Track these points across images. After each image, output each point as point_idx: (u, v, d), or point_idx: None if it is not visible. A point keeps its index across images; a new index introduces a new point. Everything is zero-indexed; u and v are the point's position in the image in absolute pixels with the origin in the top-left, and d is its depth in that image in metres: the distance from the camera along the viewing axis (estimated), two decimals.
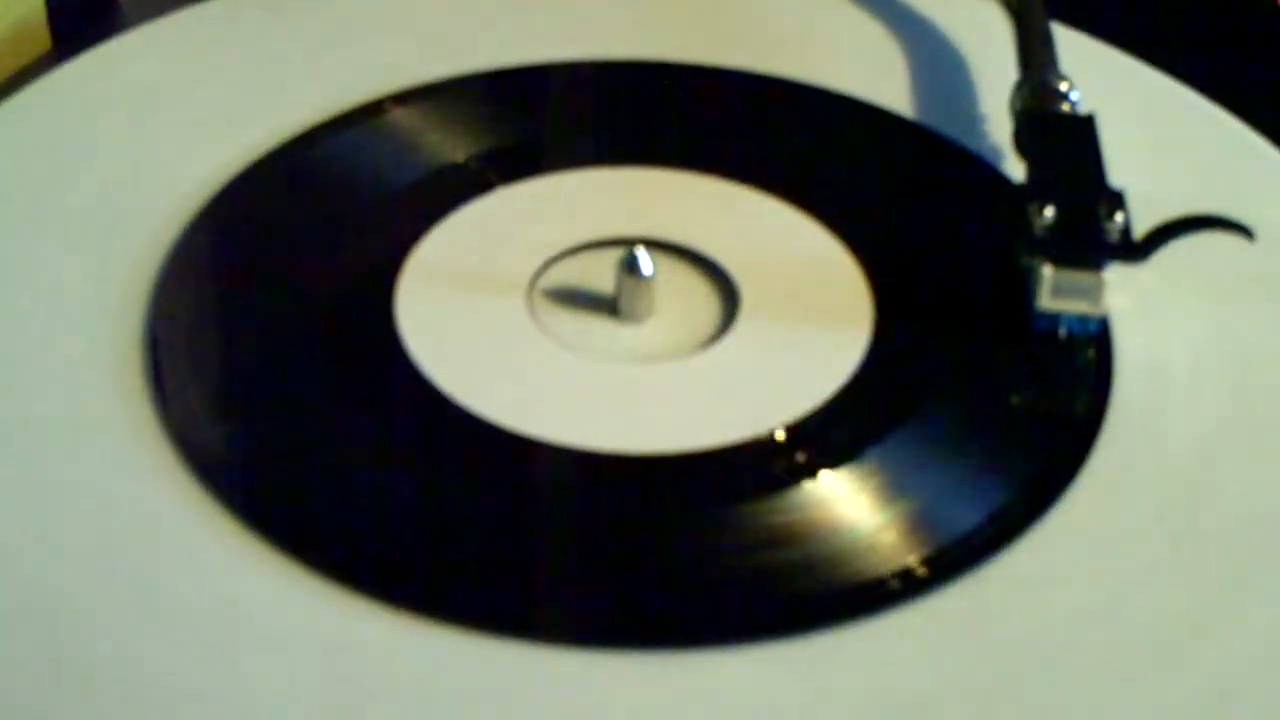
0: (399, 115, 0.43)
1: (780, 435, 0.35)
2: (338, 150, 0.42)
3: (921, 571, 0.32)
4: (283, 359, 0.36)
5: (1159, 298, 0.38)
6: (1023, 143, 0.40)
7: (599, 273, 0.38)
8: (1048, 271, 0.36)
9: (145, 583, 0.31)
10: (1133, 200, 0.37)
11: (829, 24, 0.47)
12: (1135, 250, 0.36)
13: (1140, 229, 0.37)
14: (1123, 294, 0.37)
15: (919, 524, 0.33)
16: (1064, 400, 0.36)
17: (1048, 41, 0.42)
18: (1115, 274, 0.36)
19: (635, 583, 0.32)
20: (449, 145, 0.42)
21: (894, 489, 0.33)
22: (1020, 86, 0.41)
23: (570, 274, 0.39)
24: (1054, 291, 0.36)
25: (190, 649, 0.30)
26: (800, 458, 0.34)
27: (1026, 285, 0.37)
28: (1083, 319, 0.37)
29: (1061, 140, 0.39)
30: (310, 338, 0.37)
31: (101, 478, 0.33)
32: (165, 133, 0.42)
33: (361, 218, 0.40)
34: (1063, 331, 0.37)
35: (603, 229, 0.40)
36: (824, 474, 0.34)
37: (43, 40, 0.48)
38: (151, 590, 0.31)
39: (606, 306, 0.38)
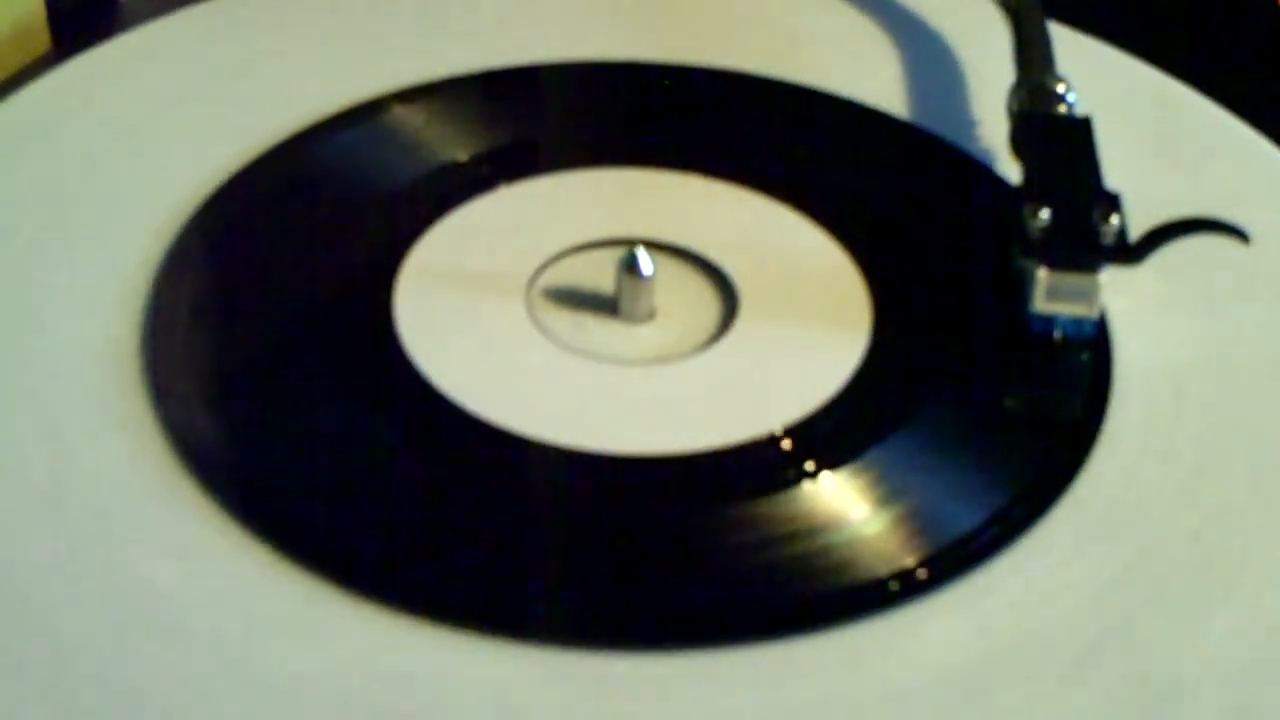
0: (399, 114, 0.43)
1: (780, 435, 0.35)
2: (338, 150, 0.42)
3: (921, 573, 0.32)
4: (282, 358, 0.37)
5: (1158, 299, 0.38)
6: (1019, 144, 0.40)
7: (599, 273, 0.38)
8: (1043, 274, 0.36)
9: (143, 582, 0.31)
10: (1131, 201, 0.37)
11: (828, 25, 0.47)
12: (1130, 253, 0.36)
13: (1138, 229, 0.37)
14: (1121, 296, 0.37)
15: (918, 525, 0.33)
16: (1063, 402, 0.36)
17: (1045, 43, 0.42)
18: (1113, 276, 0.36)
19: (635, 583, 0.32)
20: (449, 144, 0.42)
21: (893, 490, 0.34)
22: (1017, 88, 0.41)
23: (570, 274, 0.39)
24: (1049, 294, 0.36)
25: (188, 649, 0.30)
26: (800, 458, 0.34)
27: (1022, 287, 0.37)
28: (1078, 321, 0.37)
29: (1058, 142, 0.39)
30: (309, 337, 0.37)
31: (100, 477, 0.33)
32: (165, 132, 0.42)
33: (361, 217, 0.40)
34: (1058, 334, 0.37)
35: (603, 229, 0.40)
36: (824, 474, 0.34)
37: (43, 40, 0.48)
38: (149, 589, 0.31)
39: (606, 306, 0.38)
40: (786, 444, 0.34)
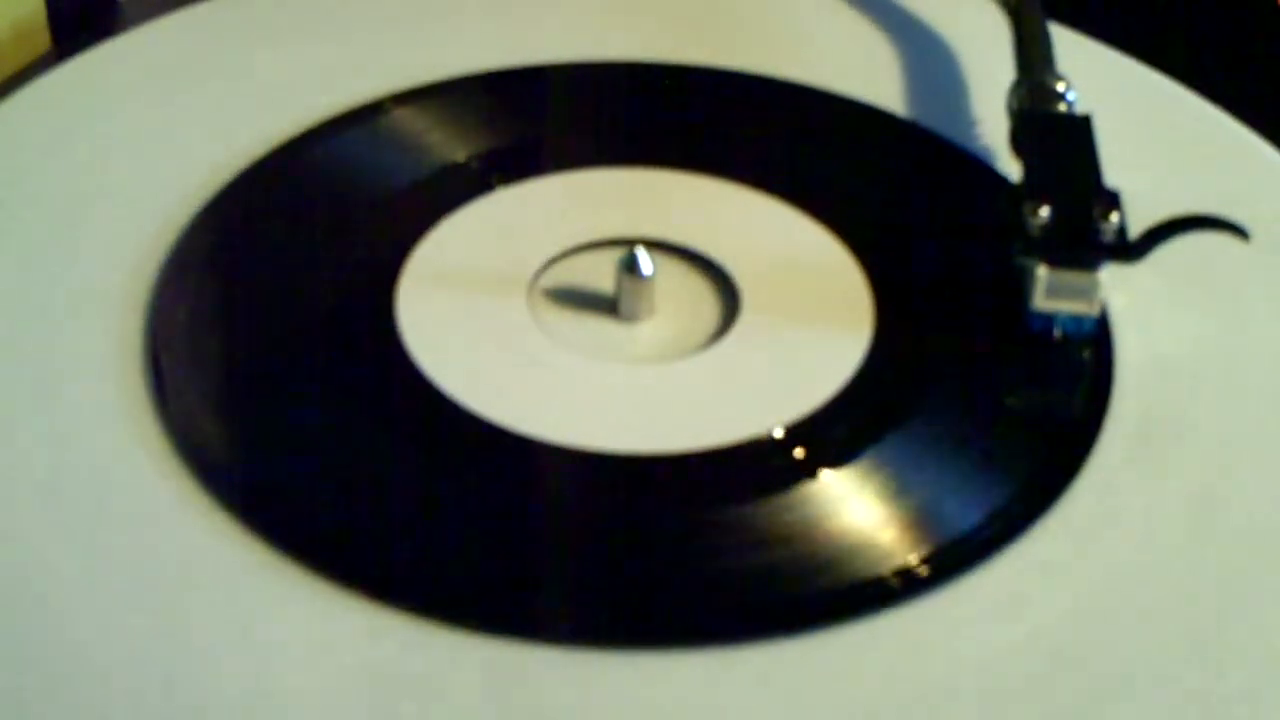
0: (399, 115, 0.43)
1: (780, 435, 0.35)
2: (338, 150, 0.42)
3: (922, 570, 0.32)
4: (283, 359, 0.37)
5: (1157, 297, 0.38)
6: (1019, 143, 0.40)
7: (599, 273, 0.38)
8: (1043, 272, 0.36)
9: (144, 581, 0.31)
10: (1130, 200, 0.37)
11: (828, 24, 0.47)
12: (1130, 251, 0.36)
13: (1137, 229, 0.37)
14: (1121, 293, 0.37)
15: (919, 523, 0.33)
16: (1064, 400, 0.36)
17: (1045, 41, 0.42)
18: (1114, 274, 0.36)
19: (635, 583, 0.32)
20: (449, 145, 0.42)
21: (894, 489, 0.34)
22: (1017, 86, 0.41)
23: (570, 274, 0.39)
24: (1049, 292, 0.36)
25: (189, 649, 0.30)
26: (800, 458, 0.34)
27: (1022, 285, 0.37)
28: (1078, 319, 0.37)
29: (1058, 140, 0.39)
30: (311, 337, 0.37)
31: (101, 477, 0.33)
32: (165, 133, 0.42)
33: (361, 218, 0.40)
34: (1058, 332, 0.37)
35: (603, 229, 0.40)
36: (824, 474, 0.34)
37: (43, 40, 0.48)
38: (150, 589, 0.31)
39: (606, 306, 0.38)
40: (787, 444, 0.34)
